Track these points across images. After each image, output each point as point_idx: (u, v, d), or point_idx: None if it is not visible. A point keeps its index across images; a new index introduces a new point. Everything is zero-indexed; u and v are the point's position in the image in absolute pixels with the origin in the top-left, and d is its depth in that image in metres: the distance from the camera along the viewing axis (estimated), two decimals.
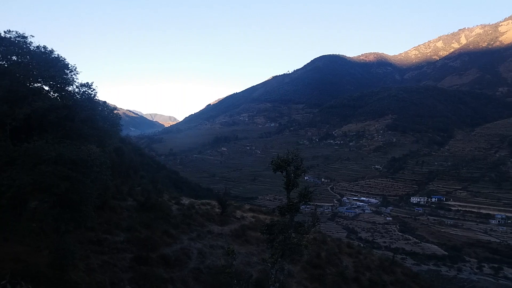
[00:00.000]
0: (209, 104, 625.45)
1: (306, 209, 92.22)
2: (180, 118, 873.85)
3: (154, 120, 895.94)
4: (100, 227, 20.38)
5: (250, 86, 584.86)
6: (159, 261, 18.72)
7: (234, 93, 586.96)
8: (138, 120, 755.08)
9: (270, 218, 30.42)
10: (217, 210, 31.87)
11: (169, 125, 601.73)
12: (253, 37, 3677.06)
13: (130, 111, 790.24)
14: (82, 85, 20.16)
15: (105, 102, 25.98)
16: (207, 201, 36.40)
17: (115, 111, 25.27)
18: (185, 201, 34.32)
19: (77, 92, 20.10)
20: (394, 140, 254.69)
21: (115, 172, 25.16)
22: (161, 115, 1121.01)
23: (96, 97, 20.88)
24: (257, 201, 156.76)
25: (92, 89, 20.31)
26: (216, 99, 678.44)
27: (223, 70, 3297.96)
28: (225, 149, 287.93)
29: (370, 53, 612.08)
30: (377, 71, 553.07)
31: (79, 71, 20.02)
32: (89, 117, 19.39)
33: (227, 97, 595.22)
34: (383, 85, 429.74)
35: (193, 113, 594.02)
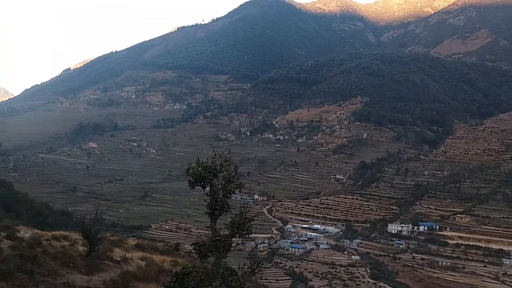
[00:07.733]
0: (68, 69, 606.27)
1: None
2: (17, 91, 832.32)
3: None
4: None
5: (141, 42, 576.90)
6: None
7: (111, 53, 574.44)
8: None
9: (172, 260, 29.68)
10: (81, 248, 30.33)
11: None
12: None
13: None
14: None
15: None
16: (63, 233, 34.60)
17: None
18: (25, 233, 32.27)
19: None
20: (365, 136, 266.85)
21: None
22: None
23: None
24: (149, 233, 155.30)
25: None
26: (81, 60, 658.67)
27: (90, 13, 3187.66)
28: (95, 145, 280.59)
29: None
30: (341, 28, 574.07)
31: None
32: None
33: (99, 58, 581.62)
34: (350, 50, 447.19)
35: (39, 83, 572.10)
